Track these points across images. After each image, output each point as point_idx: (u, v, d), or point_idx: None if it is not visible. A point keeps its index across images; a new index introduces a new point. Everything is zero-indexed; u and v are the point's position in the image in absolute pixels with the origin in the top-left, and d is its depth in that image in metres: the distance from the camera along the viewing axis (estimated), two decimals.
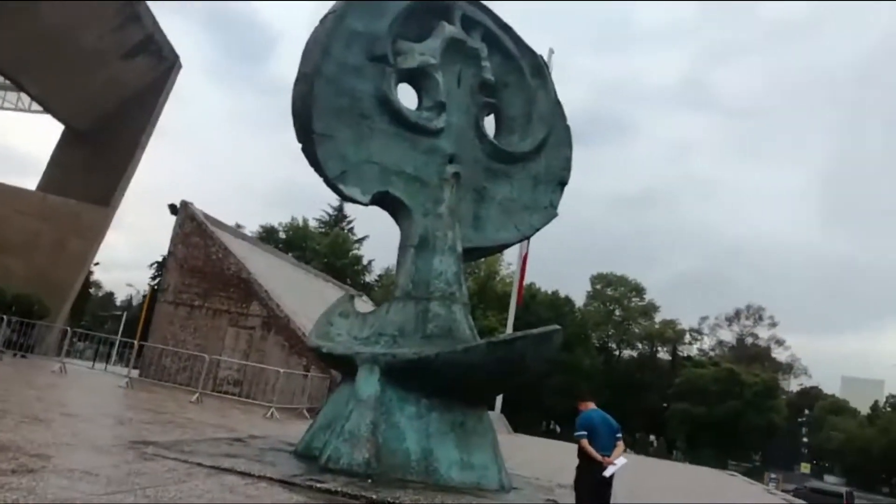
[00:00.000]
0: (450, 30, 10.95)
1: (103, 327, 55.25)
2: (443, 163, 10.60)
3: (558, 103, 11.98)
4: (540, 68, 11.92)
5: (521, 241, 12.63)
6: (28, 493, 4.82)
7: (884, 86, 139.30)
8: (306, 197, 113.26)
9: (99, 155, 31.15)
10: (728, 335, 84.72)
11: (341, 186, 9.78)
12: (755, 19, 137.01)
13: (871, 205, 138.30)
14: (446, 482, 8.69)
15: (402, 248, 10.42)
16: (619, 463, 6.80)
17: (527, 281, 47.87)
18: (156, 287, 23.82)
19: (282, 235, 60.59)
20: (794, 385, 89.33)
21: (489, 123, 11.77)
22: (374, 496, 7.20)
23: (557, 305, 65.38)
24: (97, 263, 47.37)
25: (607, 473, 6.68)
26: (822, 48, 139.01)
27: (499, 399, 32.37)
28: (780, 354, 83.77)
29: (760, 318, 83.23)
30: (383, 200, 10.33)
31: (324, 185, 9.95)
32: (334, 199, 62.42)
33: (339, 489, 7.34)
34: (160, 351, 21.21)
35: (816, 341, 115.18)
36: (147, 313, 23.08)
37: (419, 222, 10.25)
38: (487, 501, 8.31)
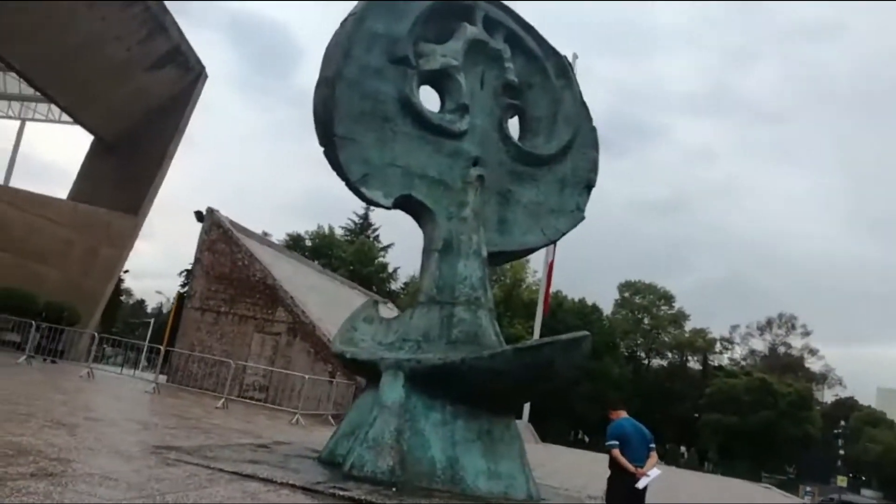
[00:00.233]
0: (472, 31, 10.82)
1: (134, 334, 56.04)
2: (466, 166, 10.44)
3: (584, 104, 11.74)
4: (565, 69, 11.72)
5: (547, 245, 12.39)
6: (45, 497, 4.74)
7: None
8: (332, 205, 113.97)
9: (128, 165, 31.67)
10: (760, 344, 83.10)
11: (364, 190, 9.66)
12: (781, 21, 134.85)
13: None
14: (472, 491, 8.48)
15: (426, 252, 10.26)
16: (653, 474, 6.52)
17: (553, 289, 47.41)
18: (183, 294, 24.00)
19: (308, 243, 60.94)
20: (828, 396, 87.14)
21: (513, 126, 11.61)
22: None
23: (585, 313, 64.67)
24: (127, 271, 48.19)
25: (640, 485, 6.41)
26: (851, 49, 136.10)
27: (526, 407, 31.98)
28: (813, 364, 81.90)
29: (793, 327, 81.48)
30: (406, 204, 10.20)
31: (350, 194, 9.85)
32: (360, 207, 62.77)
33: (362, 497, 7.17)
34: (187, 357, 21.35)
35: (851, 351, 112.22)
36: (174, 320, 23.26)
37: (443, 226, 10.09)
38: None
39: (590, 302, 68.17)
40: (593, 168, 11.61)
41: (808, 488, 50.04)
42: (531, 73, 11.49)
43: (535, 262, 58.93)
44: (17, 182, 38.89)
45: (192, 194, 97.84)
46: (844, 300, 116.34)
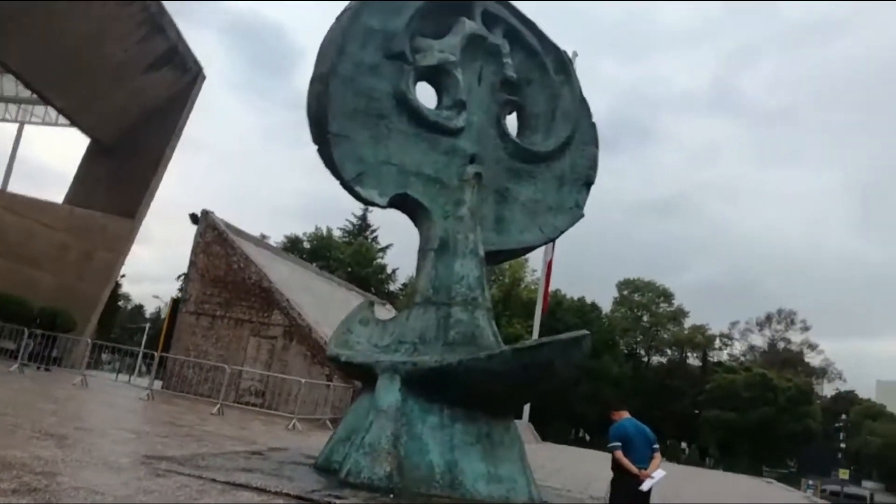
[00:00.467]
0: (470, 26, 10.61)
1: (132, 339, 55.82)
2: (463, 163, 10.23)
3: (583, 100, 11.52)
4: (564, 64, 11.50)
5: (545, 243, 12.19)
6: None
7: None
8: (330, 207, 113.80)
9: (124, 167, 31.42)
10: (759, 340, 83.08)
11: (358, 189, 9.45)
12: (782, 20, 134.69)
13: None
14: (472, 496, 8.27)
15: (422, 251, 10.05)
16: (658, 476, 6.33)
17: (552, 288, 47.23)
18: (178, 299, 23.75)
19: (306, 245, 60.72)
20: (828, 390, 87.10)
21: (511, 122, 11.41)
22: None
23: (584, 312, 64.48)
24: (123, 275, 47.99)
25: (645, 487, 6.22)
26: (852, 48, 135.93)
27: (526, 407, 31.80)
28: (813, 359, 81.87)
29: (792, 323, 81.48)
30: (402, 203, 10.00)
31: (346, 195, 9.64)
32: (358, 209, 62.60)
33: None
34: (182, 362, 21.09)
35: (850, 345, 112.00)
36: (169, 325, 23.01)
37: (439, 225, 9.88)
38: None
39: (589, 300, 68.04)
40: (593, 165, 11.39)
41: (810, 482, 49.90)
42: (530, 68, 11.28)
43: (534, 262, 58.86)
44: (14, 186, 38.50)
45: (191, 197, 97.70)
46: (843, 294, 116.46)
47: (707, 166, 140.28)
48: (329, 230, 63.30)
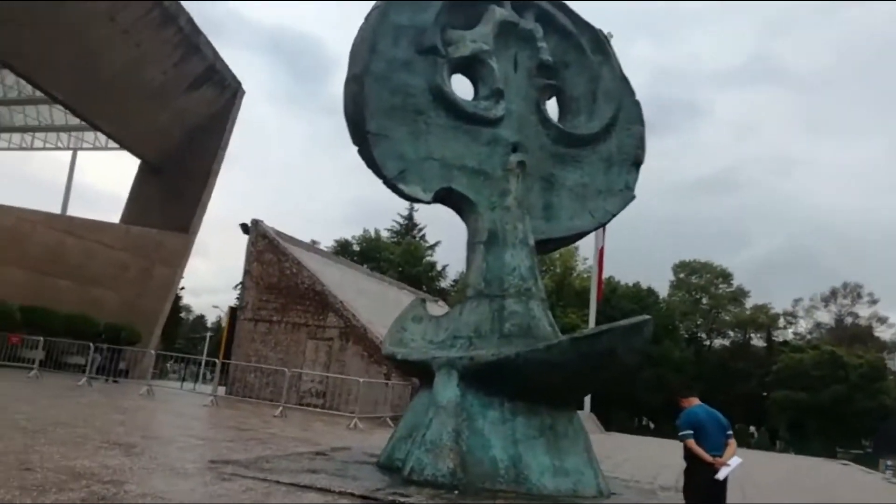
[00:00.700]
0: (500, 13, 10.43)
1: (196, 349, 57.49)
2: (506, 153, 10.06)
3: (625, 79, 11.19)
4: (601, 43, 11.19)
5: (597, 228, 11.85)
6: None
7: None
8: (377, 209, 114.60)
9: (175, 184, 32.38)
10: (825, 316, 79.68)
11: (402, 186, 9.39)
12: None
13: None
14: (539, 490, 8.11)
15: (471, 245, 9.93)
16: (734, 463, 6.00)
17: (605, 275, 46.50)
18: (235, 307, 24.29)
19: (356, 248, 61.32)
20: None
21: (552, 107, 11.16)
22: None
23: (640, 297, 63.20)
24: (183, 288, 49.38)
25: (721, 476, 5.90)
26: (890, 7, 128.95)
27: (587, 397, 31.36)
28: (883, 333, 77.96)
29: (859, 296, 77.82)
30: (447, 197, 9.89)
31: (391, 195, 9.60)
32: (404, 209, 62.88)
33: (424, 503, 6.89)
34: (243, 368, 21.56)
35: None
36: (229, 332, 23.55)
37: (486, 216, 9.74)
38: None
39: (644, 286, 66.66)
40: (640, 144, 11.04)
41: (889, 462, 47.63)
42: (566, 50, 11.02)
43: (585, 250, 58.01)
44: (72, 210, 40.21)
45: (242, 210, 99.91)
46: None
47: (755, 140, 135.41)
48: (377, 232, 63.82)
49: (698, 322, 73.91)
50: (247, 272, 23.55)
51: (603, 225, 11.68)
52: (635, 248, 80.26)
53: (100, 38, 24.93)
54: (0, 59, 25.63)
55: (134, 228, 31.39)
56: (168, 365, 30.94)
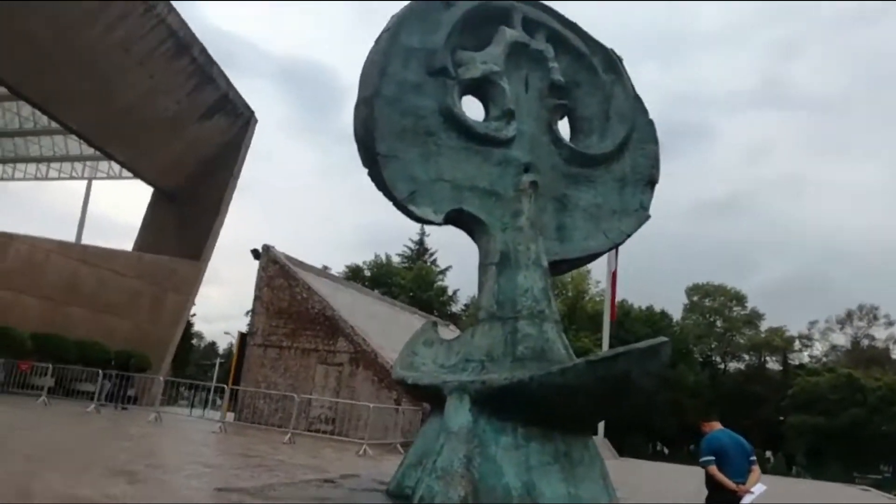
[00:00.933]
0: (511, 34, 10.39)
1: (206, 375, 57.39)
2: (518, 173, 9.93)
3: (638, 98, 11.10)
4: (613, 63, 11.12)
5: (611, 248, 11.66)
6: None
7: None
8: (388, 235, 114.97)
9: (188, 212, 32.60)
10: (841, 339, 78.56)
11: (412, 208, 9.27)
12: (825, 7, 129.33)
13: None
14: None
15: (482, 266, 9.76)
16: (758, 490, 5.78)
17: (618, 298, 46.06)
18: (245, 333, 24.20)
19: (367, 273, 61.32)
20: None
21: (564, 128, 11.07)
22: None
23: (654, 321, 62.61)
24: (194, 315, 49.46)
25: (745, 503, 5.67)
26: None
27: (601, 422, 30.84)
28: None
29: (875, 318, 76.74)
30: (458, 219, 9.74)
31: (404, 221, 9.51)
32: (415, 233, 63.05)
33: None
34: (252, 394, 21.37)
35: None
36: (238, 358, 23.41)
37: (498, 238, 9.58)
38: None
39: (657, 309, 66.07)
40: (655, 163, 10.90)
41: None
42: (577, 70, 10.95)
43: (597, 273, 57.69)
44: (87, 239, 40.51)
45: (254, 237, 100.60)
46: None
47: (765, 163, 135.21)
48: (388, 257, 63.87)
49: (713, 345, 73.05)
50: (257, 297, 23.48)
51: (617, 245, 11.50)
52: (648, 272, 79.85)
53: (114, 69, 25.33)
54: (16, 91, 26.05)
55: (147, 256, 31.51)
56: (181, 391, 30.77)
